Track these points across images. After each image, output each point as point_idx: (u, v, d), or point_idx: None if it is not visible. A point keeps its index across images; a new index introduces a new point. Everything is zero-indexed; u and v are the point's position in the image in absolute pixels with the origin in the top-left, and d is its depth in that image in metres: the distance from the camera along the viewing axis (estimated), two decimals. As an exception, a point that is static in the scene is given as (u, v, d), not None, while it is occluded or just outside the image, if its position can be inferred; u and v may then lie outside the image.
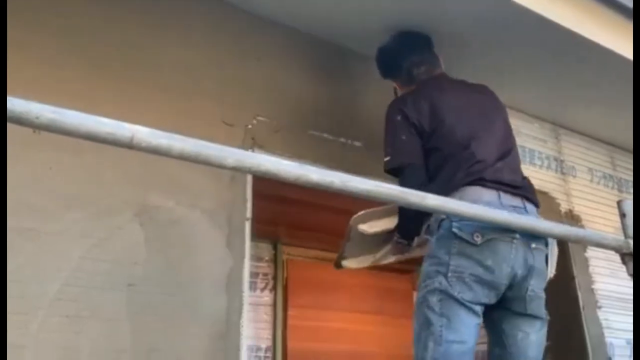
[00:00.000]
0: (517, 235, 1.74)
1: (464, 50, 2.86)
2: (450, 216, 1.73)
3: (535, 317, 1.77)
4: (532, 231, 1.68)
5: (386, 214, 2.14)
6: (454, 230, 1.74)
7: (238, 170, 1.23)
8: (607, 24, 2.61)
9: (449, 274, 1.72)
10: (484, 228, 1.72)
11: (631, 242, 1.68)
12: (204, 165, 1.22)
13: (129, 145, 1.06)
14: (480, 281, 1.71)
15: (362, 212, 2.16)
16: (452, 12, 2.53)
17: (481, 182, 1.80)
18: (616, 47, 2.62)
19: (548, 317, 1.83)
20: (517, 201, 1.84)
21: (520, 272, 1.75)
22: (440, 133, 1.93)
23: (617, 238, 1.73)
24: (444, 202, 1.47)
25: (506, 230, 1.71)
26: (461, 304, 1.69)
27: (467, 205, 1.52)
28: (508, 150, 1.99)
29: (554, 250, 1.89)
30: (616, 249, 1.72)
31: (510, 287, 1.76)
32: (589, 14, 2.60)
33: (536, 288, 1.78)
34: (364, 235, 2.16)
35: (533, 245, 1.77)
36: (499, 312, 1.78)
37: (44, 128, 0.98)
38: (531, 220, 1.66)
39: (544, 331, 1.80)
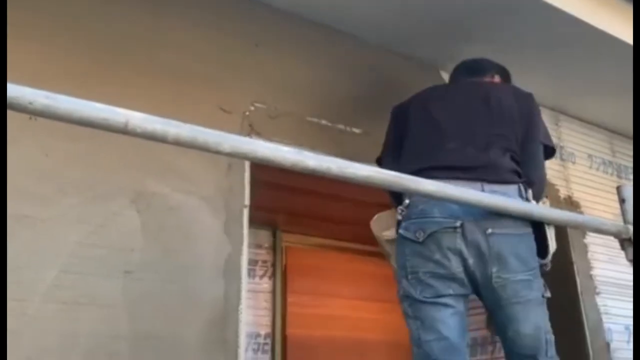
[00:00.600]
0: (458, 224, 1.70)
1: (463, 36, 2.85)
2: (405, 218, 1.78)
3: (515, 302, 1.70)
4: (527, 217, 1.66)
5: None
6: (401, 231, 1.80)
7: (234, 157, 1.22)
8: (607, 8, 2.60)
9: (409, 276, 1.76)
10: (425, 224, 1.74)
11: (631, 227, 1.67)
12: (201, 152, 1.21)
13: (124, 131, 1.05)
14: (435, 276, 1.72)
15: (376, 216, 2.15)
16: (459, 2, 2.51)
17: (425, 172, 1.72)
18: (616, 32, 2.61)
19: (545, 296, 1.76)
20: (476, 186, 1.74)
21: (471, 260, 1.71)
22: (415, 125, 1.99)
23: (616, 224, 1.73)
24: (441, 188, 1.46)
25: (446, 222, 1.72)
26: (426, 302, 1.72)
27: (460, 190, 1.52)
28: (481, 135, 1.88)
29: (548, 229, 1.79)
30: (615, 235, 1.72)
31: (473, 276, 1.72)
32: (601, 4, 2.58)
33: (504, 274, 1.70)
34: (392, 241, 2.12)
35: (489, 231, 1.70)
36: (485, 303, 1.79)
37: (37, 114, 0.97)
38: (527, 206, 1.64)
39: (536, 311, 1.72)
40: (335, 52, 2.76)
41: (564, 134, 3.53)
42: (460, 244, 1.71)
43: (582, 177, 3.48)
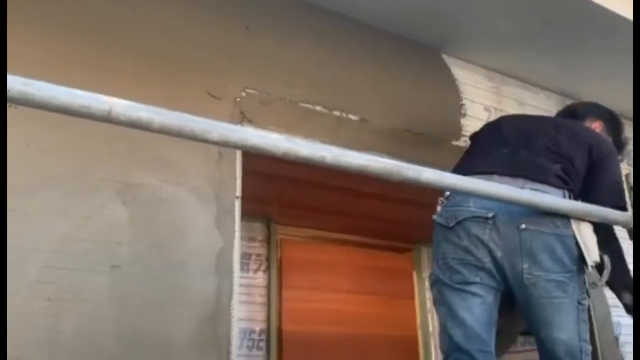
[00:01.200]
0: (490, 215, 1.75)
1: (471, 18, 2.84)
2: (442, 207, 1.85)
3: (547, 302, 1.71)
4: (533, 206, 1.67)
5: None
6: (435, 217, 1.88)
7: (222, 145, 1.22)
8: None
9: (440, 262, 1.85)
10: (458, 211, 1.82)
11: (641, 216, 1.68)
12: (190, 141, 1.21)
13: (107, 119, 1.05)
14: (463, 262, 1.79)
15: None
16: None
17: (474, 171, 1.82)
18: (631, 13, 2.60)
19: (584, 298, 1.75)
20: (517, 182, 1.81)
21: (499, 254, 1.75)
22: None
23: (623, 213, 1.74)
24: (440, 176, 1.46)
25: (479, 212, 1.78)
26: (454, 288, 1.79)
27: (461, 178, 1.52)
28: (539, 147, 1.95)
29: (582, 233, 1.77)
30: (623, 225, 1.73)
31: (502, 269, 1.76)
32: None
33: (536, 271, 1.73)
34: None
35: (523, 226, 1.75)
36: (517, 300, 1.80)
37: (14, 101, 0.97)
38: (530, 195, 1.65)
39: (571, 316, 1.72)
40: (331, 34, 2.75)
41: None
42: (488, 234, 1.77)
43: (590, 164, 3.48)
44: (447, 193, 1.90)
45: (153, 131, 1.11)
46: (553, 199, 1.70)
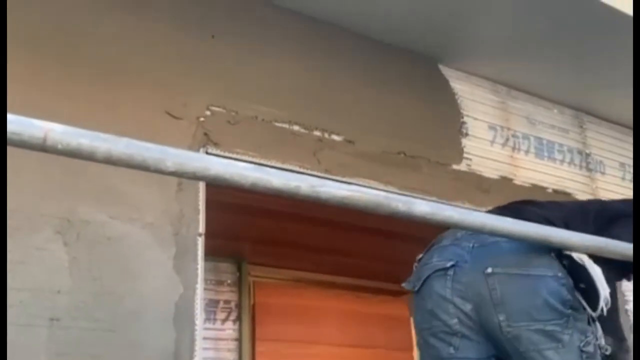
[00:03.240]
0: (449, 264, 1.76)
1: (473, 25, 2.89)
2: None
3: (536, 351, 1.68)
4: (541, 242, 1.68)
5: None
6: (404, 285, 1.89)
7: (180, 176, 1.22)
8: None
9: (418, 337, 1.86)
10: (422, 271, 1.82)
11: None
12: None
13: (41, 148, 1.05)
14: (432, 332, 1.78)
15: None
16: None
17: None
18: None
19: (587, 343, 1.70)
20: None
21: (469, 307, 1.73)
22: None
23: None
24: (435, 209, 1.48)
25: (439, 264, 1.78)
26: None
27: (459, 211, 1.54)
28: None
29: (591, 265, 1.73)
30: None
31: (477, 325, 1.74)
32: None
33: (515, 322, 1.69)
34: None
35: (489, 271, 1.71)
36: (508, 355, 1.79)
37: None
38: (538, 228, 1.66)
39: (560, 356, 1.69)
40: (311, 43, 2.79)
41: (591, 138, 3.59)
42: (450, 288, 1.75)
43: (614, 190, 3.54)
44: (420, 255, 1.91)
45: (97, 161, 1.12)
46: (566, 232, 1.71)
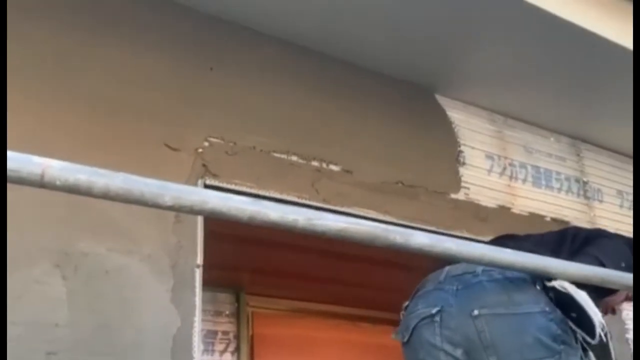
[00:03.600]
0: (435, 310, 1.75)
1: (468, 54, 2.92)
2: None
3: None
4: (540, 272, 1.68)
5: None
6: (393, 336, 1.88)
7: (177, 210, 1.23)
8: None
9: None
10: (408, 320, 1.81)
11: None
12: (141, 202, 1.22)
13: (39, 184, 1.06)
14: None
15: None
16: (455, 12, 2.59)
17: None
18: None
19: None
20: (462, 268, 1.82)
21: (459, 353, 1.72)
22: None
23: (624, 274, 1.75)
24: (433, 241, 1.48)
25: (425, 311, 1.77)
26: None
27: (456, 242, 1.54)
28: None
29: (579, 293, 1.80)
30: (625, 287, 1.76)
31: None
32: (614, 13, 2.67)
33: None
34: None
35: (476, 313, 1.70)
36: None
37: None
38: (536, 259, 1.66)
39: None
40: (308, 74, 2.81)
41: (588, 166, 3.61)
42: (439, 335, 1.73)
43: (612, 218, 3.54)
44: (406, 303, 1.90)
45: (95, 197, 1.13)
46: (561, 262, 1.71)
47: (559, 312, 1.72)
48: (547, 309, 1.71)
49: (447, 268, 1.85)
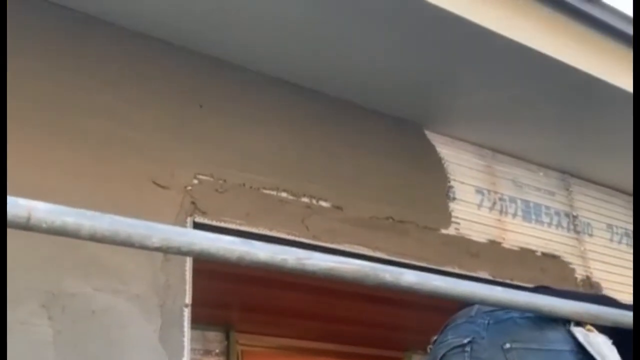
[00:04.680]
0: (466, 341, 1.74)
1: (456, 90, 2.95)
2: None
3: None
4: (532, 311, 1.68)
5: None
6: (429, 346, 1.85)
7: (165, 252, 1.22)
8: (621, 62, 2.73)
9: None
10: (438, 350, 1.79)
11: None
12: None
13: (25, 227, 1.05)
14: None
15: None
16: (441, 47, 2.62)
17: None
18: (631, 86, 2.73)
19: None
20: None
21: None
22: None
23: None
24: (423, 279, 1.48)
25: (455, 341, 1.75)
26: None
27: (444, 280, 1.54)
28: None
29: (593, 342, 1.70)
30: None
31: None
32: (602, 52, 2.72)
33: None
34: None
35: (508, 346, 1.70)
36: None
37: None
38: (528, 297, 1.66)
39: None
40: (298, 111, 2.83)
41: (577, 200, 3.62)
42: None
43: (602, 252, 3.56)
44: (434, 337, 1.87)
45: (82, 239, 1.12)
46: (556, 300, 1.71)
47: (587, 355, 1.72)
48: (575, 349, 1.71)
49: (477, 305, 1.82)
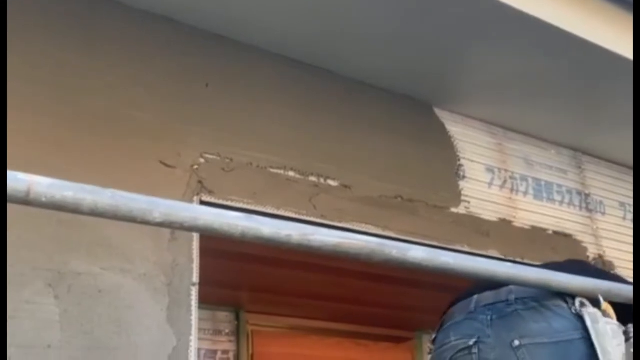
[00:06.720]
0: (472, 342, 1.70)
1: (466, 67, 2.91)
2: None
3: None
4: (541, 286, 1.65)
5: None
6: (429, 344, 1.86)
7: (168, 227, 1.21)
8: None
9: None
10: (442, 352, 1.76)
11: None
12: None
13: (25, 201, 1.04)
14: None
15: None
16: (450, 22, 2.58)
17: None
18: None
19: None
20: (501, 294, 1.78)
21: None
22: None
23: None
24: (431, 255, 1.46)
25: (460, 343, 1.72)
26: None
27: (454, 256, 1.52)
28: None
29: (601, 333, 1.66)
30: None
31: None
32: (614, 24, 2.66)
33: None
34: None
35: (517, 343, 1.66)
36: None
37: None
38: (538, 273, 1.64)
39: None
40: (305, 89, 2.80)
41: (590, 178, 3.58)
42: None
43: (615, 230, 3.52)
44: (433, 336, 1.86)
45: (83, 214, 1.11)
46: (566, 276, 1.68)
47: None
48: (586, 335, 1.66)
49: (475, 297, 1.79)
